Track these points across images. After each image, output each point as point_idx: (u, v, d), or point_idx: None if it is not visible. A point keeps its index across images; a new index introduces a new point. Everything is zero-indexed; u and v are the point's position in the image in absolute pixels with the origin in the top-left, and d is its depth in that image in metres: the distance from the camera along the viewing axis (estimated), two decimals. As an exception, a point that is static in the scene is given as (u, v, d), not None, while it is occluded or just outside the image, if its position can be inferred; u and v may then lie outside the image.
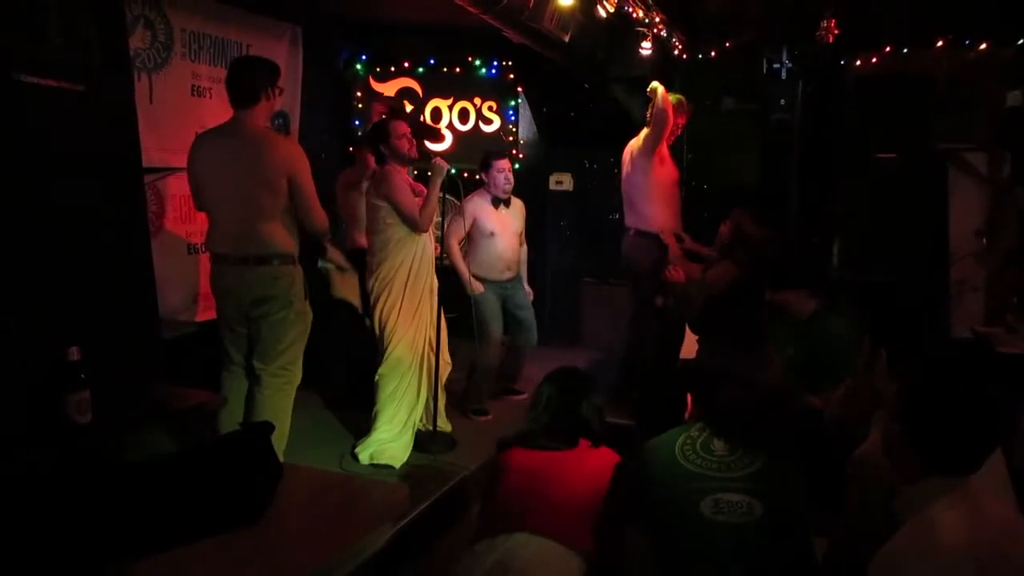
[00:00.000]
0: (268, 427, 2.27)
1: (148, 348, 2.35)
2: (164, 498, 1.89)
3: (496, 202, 4.65)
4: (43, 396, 2.00)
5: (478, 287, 4.59)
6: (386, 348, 3.97)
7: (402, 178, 3.94)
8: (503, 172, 4.60)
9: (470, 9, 3.79)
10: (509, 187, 4.65)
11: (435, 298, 4.09)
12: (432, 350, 4.10)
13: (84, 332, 2.12)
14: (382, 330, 3.98)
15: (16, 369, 2.02)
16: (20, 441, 1.89)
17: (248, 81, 3.29)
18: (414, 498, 3.52)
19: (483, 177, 4.66)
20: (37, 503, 1.76)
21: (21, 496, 1.76)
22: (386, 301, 3.96)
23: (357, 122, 5.71)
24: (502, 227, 4.65)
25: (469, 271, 4.62)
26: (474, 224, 4.59)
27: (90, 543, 1.82)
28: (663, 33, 4.81)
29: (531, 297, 4.95)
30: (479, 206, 4.61)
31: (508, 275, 4.72)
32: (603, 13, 4.11)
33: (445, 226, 4.70)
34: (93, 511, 1.83)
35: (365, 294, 4.17)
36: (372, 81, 5.75)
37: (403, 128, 4.03)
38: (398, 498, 2.27)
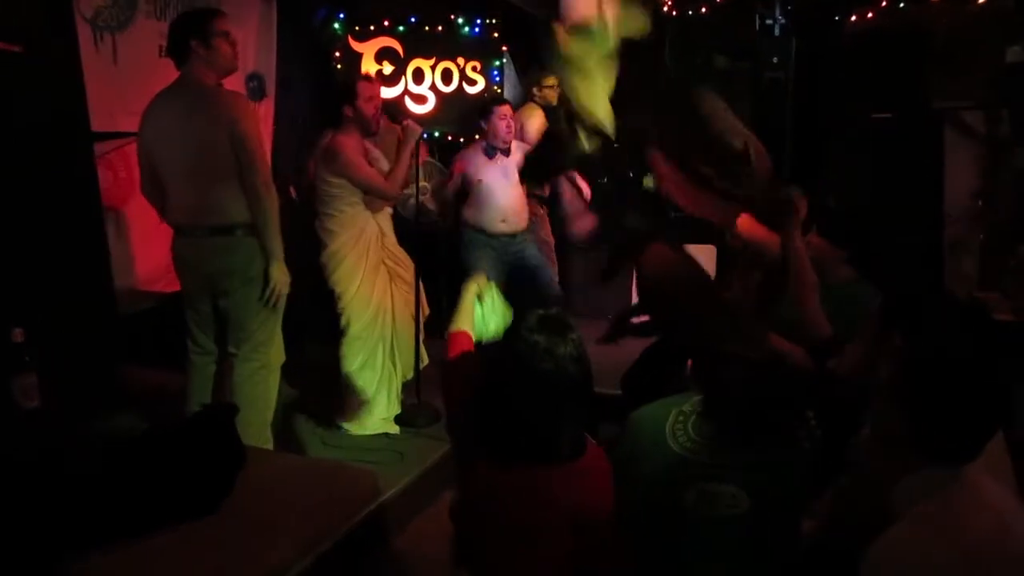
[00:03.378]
0: (231, 409, 2.16)
1: (104, 327, 2.22)
2: (115, 485, 1.78)
3: (491, 151, 4.55)
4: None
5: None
6: (345, 324, 3.85)
7: (354, 149, 3.71)
8: (505, 119, 4.49)
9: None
10: (511, 136, 4.55)
11: (403, 268, 3.97)
12: (407, 320, 3.97)
13: (31, 312, 2.00)
14: (340, 306, 3.84)
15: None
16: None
17: (174, 37, 3.14)
18: (394, 474, 3.45)
19: (483, 125, 4.57)
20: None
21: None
22: (341, 276, 3.80)
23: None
24: (496, 175, 4.55)
25: (468, 221, 4.59)
26: (464, 176, 4.55)
27: (36, 534, 1.72)
28: (651, -12, 4.62)
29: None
30: (469, 158, 4.57)
31: (504, 227, 4.61)
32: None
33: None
34: (39, 500, 1.72)
35: None
36: (351, 41, 5.54)
37: (372, 90, 3.83)
38: (366, 485, 2.15)
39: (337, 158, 3.67)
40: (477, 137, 4.77)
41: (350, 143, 3.72)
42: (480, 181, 4.54)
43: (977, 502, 1.45)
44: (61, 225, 2.15)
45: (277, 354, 3.39)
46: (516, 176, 4.65)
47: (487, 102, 4.64)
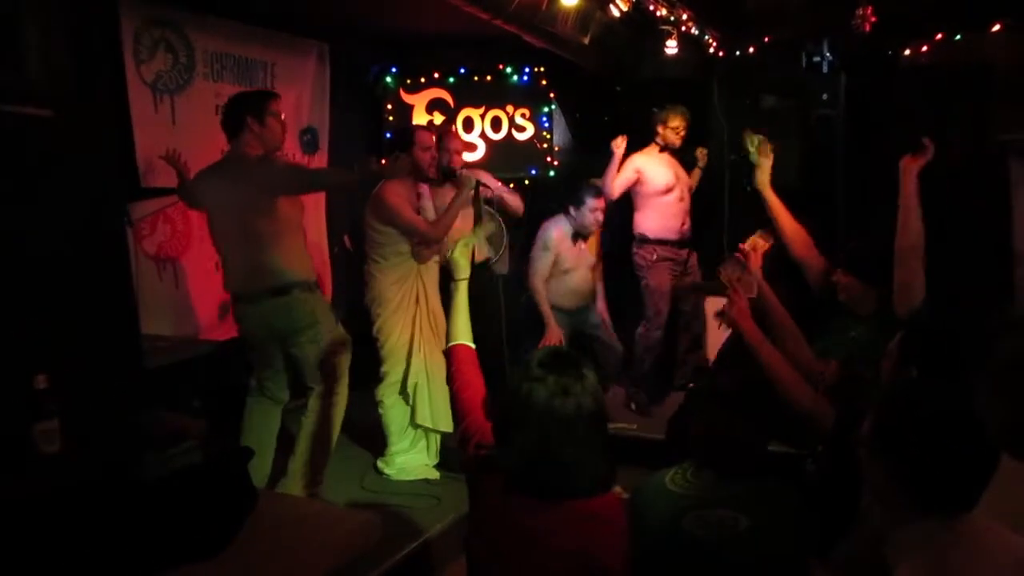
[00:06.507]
0: (246, 452, 2.21)
1: (129, 375, 2.33)
2: (123, 527, 1.85)
3: (576, 236, 4.59)
4: (8, 426, 2.00)
5: (555, 334, 4.47)
6: (385, 371, 3.89)
7: (400, 195, 3.79)
8: (595, 212, 4.51)
9: (482, 16, 3.70)
10: (599, 228, 4.64)
11: (440, 330, 3.92)
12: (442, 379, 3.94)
13: (58, 361, 2.11)
14: (380, 353, 3.89)
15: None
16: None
17: (230, 112, 3.34)
18: (430, 519, 3.45)
19: (571, 211, 4.56)
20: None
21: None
22: (382, 324, 3.86)
23: (389, 135, 5.66)
24: (578, 262, 4.62)
25: (548, 296, 4.58)
26: (556, 261, 4.56)
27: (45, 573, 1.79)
28: (693, 31, 4.62)
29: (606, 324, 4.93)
30: (562, 242, 4.56)
31: (581, 303, 4.75)
32: (616, 13, 3.95)
33: (530, 263, 4.60)
34: (50, 542, 1.79)
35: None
36: (403, 93, 5.70)
37: (429, 140, 3.93)
38: (369, 535, 2.15)
39: (382, 205, 3.77)
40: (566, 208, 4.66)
41: (397, 190, 3.80)
42: (568, 271, 4.60)
43: (976, 552, 1.36)
44: (89, 277, 2.27)
45: (346, 396, 3.52)
46: (591, 259, 4.74)
47: (582, 191, 4.58)
